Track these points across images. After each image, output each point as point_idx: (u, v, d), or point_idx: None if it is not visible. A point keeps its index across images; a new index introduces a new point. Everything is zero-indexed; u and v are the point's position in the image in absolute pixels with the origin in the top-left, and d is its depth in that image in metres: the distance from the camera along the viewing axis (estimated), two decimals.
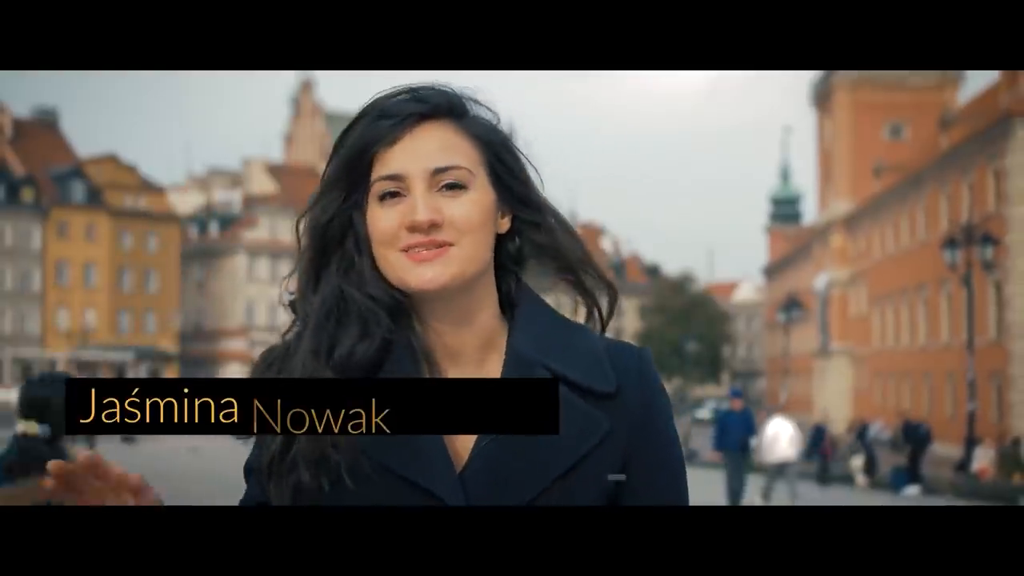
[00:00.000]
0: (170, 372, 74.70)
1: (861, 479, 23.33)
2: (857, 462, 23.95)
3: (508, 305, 1.29)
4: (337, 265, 1.24)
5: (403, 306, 1.24)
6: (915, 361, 47.02)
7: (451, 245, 1.20)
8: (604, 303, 1.31)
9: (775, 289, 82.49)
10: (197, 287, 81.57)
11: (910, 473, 21.70)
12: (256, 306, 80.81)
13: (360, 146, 1.22)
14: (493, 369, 1.25)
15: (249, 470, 1.28)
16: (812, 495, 18.66)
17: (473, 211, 1.21)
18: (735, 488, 14.39)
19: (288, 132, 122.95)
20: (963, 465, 16.68)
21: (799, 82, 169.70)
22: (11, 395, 28.66)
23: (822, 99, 65.31)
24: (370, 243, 1.23)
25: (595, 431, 1.21)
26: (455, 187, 1.21)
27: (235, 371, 78.31)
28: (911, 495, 20.49)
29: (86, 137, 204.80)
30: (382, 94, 1.26)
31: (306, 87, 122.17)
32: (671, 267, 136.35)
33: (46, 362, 68.25)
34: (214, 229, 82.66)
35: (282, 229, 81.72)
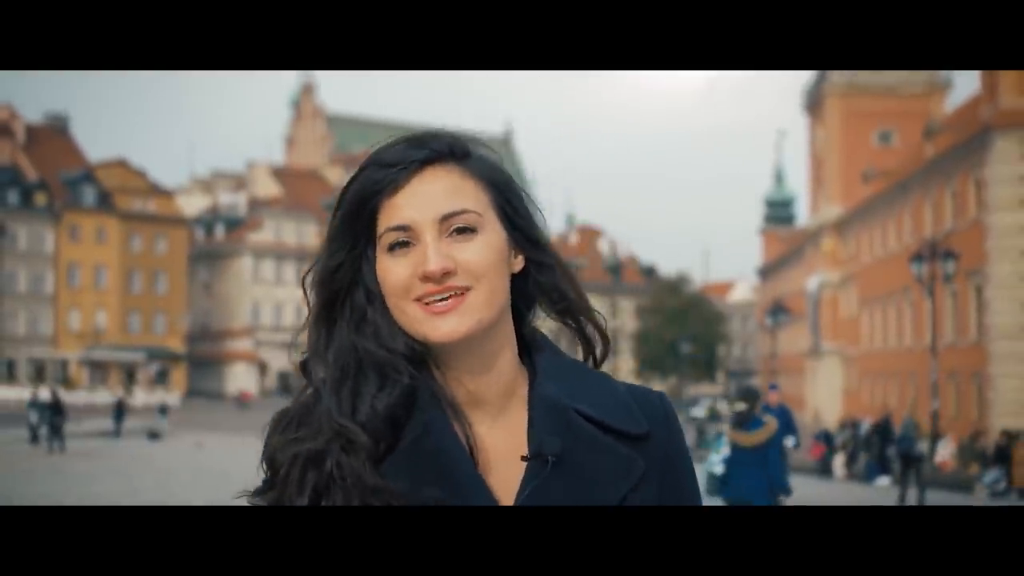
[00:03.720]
0: (178, 372, 76.04)
1: (841, 471, 25.26)
2: (840, 457, 25.89)
3: (524, 350, 1.28)
4: (348, 319, 1.22)
5: (421, 355, 1.21)
6: (902, 361, 48.54)
7: (468, 290, 1.17)
8: (598, 350, 1.32)
9: (769, 290, 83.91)
10: (204, 289, 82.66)
11: (881, 465, 23.65)
12: (261, 307, 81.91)
13: (363, 196, 1.20)
14: (516, 415, 1.24)
15: None
16: (803, 489, 20.41)
17: (485, 253, 1.19)
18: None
19: (289, 134, 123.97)
20: (920, 458, 18.54)
21: (795, 85, 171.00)
22: (24, 394, 30.18)
23: (814, 105, 66.77)
24: (381, 294, 1.21)
25: (633, 472, 1.21)
26: (465, 231, 1.19)
27: (241, 371, 79.66)
28: (882, 485, 22.44)
29: (92, 140, 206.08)
30: (381, 144, 1.24)
31: (307, 89, 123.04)
32: (667, 268, 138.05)
33: (58, 362, 69.78)
34: (219, 231, 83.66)
35: (286, 231, 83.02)
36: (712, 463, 9.56)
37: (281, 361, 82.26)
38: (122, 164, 75.86)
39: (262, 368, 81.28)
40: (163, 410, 36.80)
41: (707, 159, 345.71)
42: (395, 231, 1.19)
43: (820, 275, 64.35)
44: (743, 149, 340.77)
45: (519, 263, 1.25)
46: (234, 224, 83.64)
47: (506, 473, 1.20)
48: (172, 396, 61.87)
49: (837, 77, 61.41)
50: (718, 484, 9.32)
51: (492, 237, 1.20)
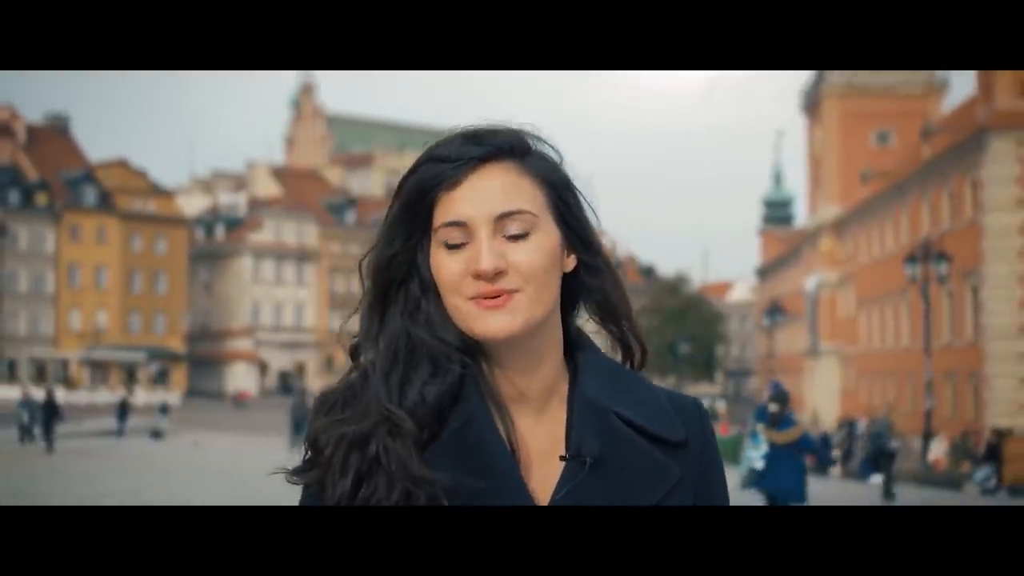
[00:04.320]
0: (179, 372, 76.24)
1: (837, 469, 25.54)
2: (836, 454, 26.22)
3: (567, 348, 1.28)
4: (402, 307, 1.23)
5: (472, 347, 1.22)
6: (899, 361, 48.80)
7: (518, 291, 1.18)
8: (636, 358, 1.32)
9: (767, 290, 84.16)
10: (204, 289, 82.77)
11: (875, 464, 23.94)
12: (261, 307, 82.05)
13: (421, 189, 1.21)
14: (556, 414, 1.25)
15: None
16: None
17: (537, 256, 1.19)
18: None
19: (289, 134, 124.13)
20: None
21: (793, 85, 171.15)
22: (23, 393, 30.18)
23: (812, 106, 67.02)
24: (435, 286, 1.22)
25: (668, 478, 1.22)
26: (519, 231, 1.19)
27: (241, 370, 79.85)
28: (876, 483, 22.73)
29: (93, 140, 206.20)
30: (443, 137, 1.24)
31: (307, 90, 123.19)
32: (666, 268, 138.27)
33: (59, 362, 69.97)
34: (220, 231, 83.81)
35: (286, 231, 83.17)
36: (752, 459, 10.23)
37: (281, 361, 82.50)
38: (122, 164, 76.03)
39: (262, 368, 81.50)
40: (164, 409, 37.04)
41: (706, 159, 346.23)
42: (450, 226, 1.20)
43: (818, 275, 64.60)
44: (742, 149, 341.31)
45: (571, 263, 1.26)
46: (234, 224, 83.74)
47: (544, 471, 1.22)
48: (172, 396, 62.05)
49: (835, 78, 61.64)
50: (756, 477, 10.13)
51: (546, 239, 1.21)
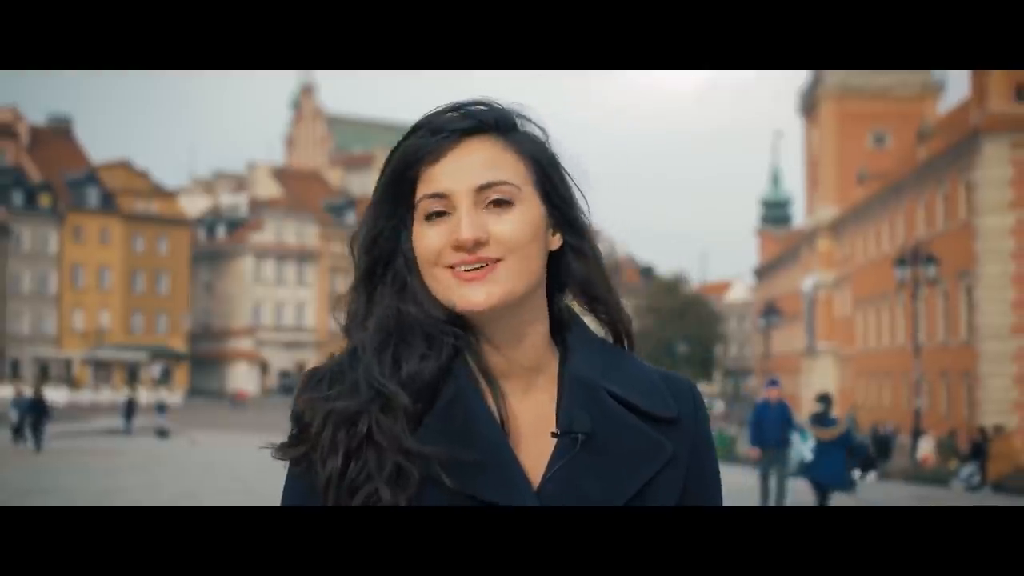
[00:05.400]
0: (181, 371, 76.68)
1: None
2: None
3: (556, 327, 1.27)
4: (390, 285, 1.22)
5: (460, 323, 1.20)
6: (894, 361, 49.21)
7: (499, 261, 1.17)
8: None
9: (765, 290, 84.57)
10: (205, 289, 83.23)
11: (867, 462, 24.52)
12: (262, 307, 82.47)
13: (404, 163, 1.20)
14: (545, 391, 1.24)
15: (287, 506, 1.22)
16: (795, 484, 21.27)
17: (519, 227, 1.18)
18: (779, 487, 13.16)
19: (289, 135, 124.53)
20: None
21: (792, 86, 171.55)
22: (28, 392, 30.27)
23: (809, 108, 67.44)
24: (418, 263, 1.21)
25: (660, 455, 1.21)
26: (501, 203, 1.18)
27: (243, 370, 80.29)
28: (868, 482, 23.29)
29: (95, 141, 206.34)
30: (431, 111, 1.23)
31: (307, 90, 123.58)
32: (665, 268, 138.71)
33: (62, 361, 70.44)
34: (221, 232, 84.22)
35: (287, 232, 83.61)
36: (802, 452, 12.07)
37: (282, 360, 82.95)
38: (125, 165, 76.46)
39: (263, 367, 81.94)
40: (161, 408, 37.54)
41: (705, 160, 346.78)
42: (431, 199, 1.19)
43: (815, 275, 65.00)
44: (740, 150, 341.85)
45: (556, 241, 1.25)
46: (235, 225, 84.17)
47: (534, 447, 1.20)
48: (174, 395, 62.53)
49: (832, 80, 62.07)
50: (806, 467, 12.03)
51: (528, 212, 1.20)
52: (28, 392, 28.90)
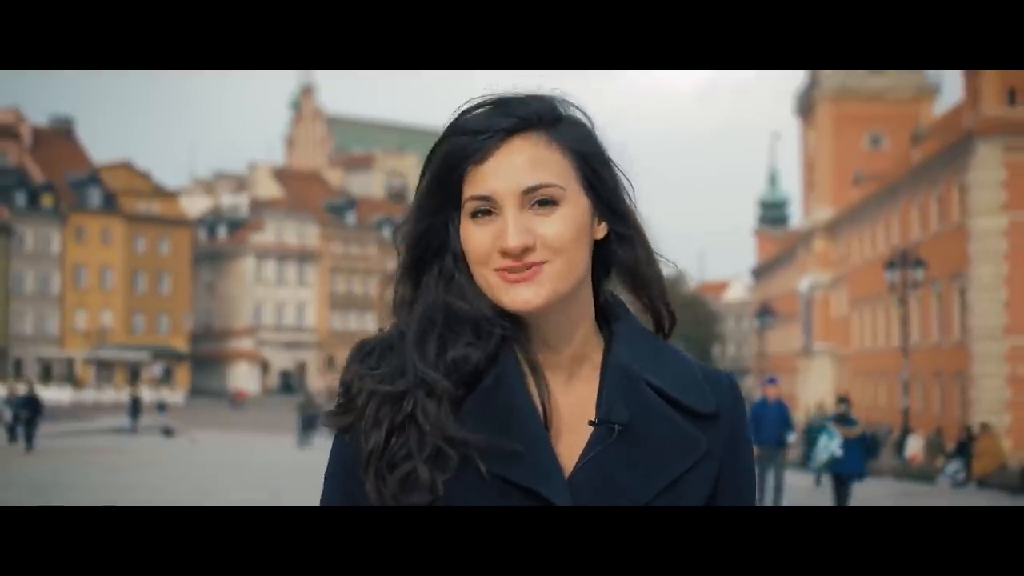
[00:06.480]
0: (182, 371, 77.07)
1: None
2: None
3: (603, 317, 1.28)
4: (436, 279, 1.23)
5: (511, 317, 1.21)
6: (890, 361, 49.62)
7: (545, 263, 1.18)
8: (666, 327, 1.32)
9: (762, 290, 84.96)
10: (207, 289, 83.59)
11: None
12: (263, 307, 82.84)
13: (449, 163, 1.20)
14: (588, 380, 1.25)
15: (329, 475, 1.25)
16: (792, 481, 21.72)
17: (565, 228, 1.18)
18: (776, 486, 13.61)
19: (289, 135, 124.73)
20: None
21: (790, 87, 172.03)
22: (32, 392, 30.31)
23: (806, 110, 67.77)
24: (466, 258, 1.22)
25: (695, 450, 1.21)
26: (547, 204, 1.18)
27: (243, 370, 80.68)
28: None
29: (97, 142, 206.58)
30: (469, 104, 1.23)
31: (307, 90, 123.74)
32: (663, 267, 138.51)
33: (65, 361, 70.86)
34: (222, 232, 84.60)
35: (287, 232, 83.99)
36: (831, 448, 13.19)
37: (283, 360, 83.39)
38: (126, 166, 76.81)
39: (264, 367, 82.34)
40: (162, 407, 37.91)
41: (703, 160, 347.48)
42: (477, 200, 1.19)
43: (812, 276, 65.34)
44: (740, 150, 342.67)
45: (602, 230, 1.25)
46: (236, 225, 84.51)
47: (572, 437, 1.21)
48: (176, 395, 62.93)
49: (828, 82, 62.47)
50: (833, 462, 13.16)
51: (574, 209, 1.20)
52: (22, 390, 28.37)
